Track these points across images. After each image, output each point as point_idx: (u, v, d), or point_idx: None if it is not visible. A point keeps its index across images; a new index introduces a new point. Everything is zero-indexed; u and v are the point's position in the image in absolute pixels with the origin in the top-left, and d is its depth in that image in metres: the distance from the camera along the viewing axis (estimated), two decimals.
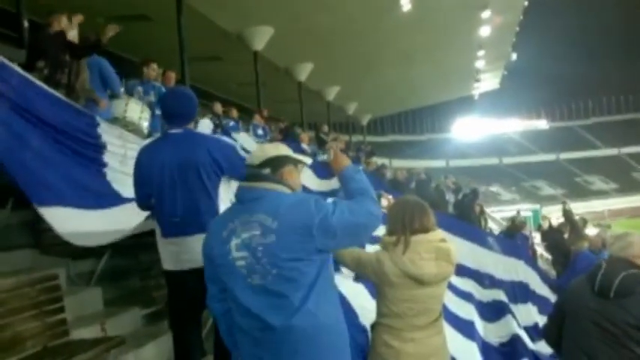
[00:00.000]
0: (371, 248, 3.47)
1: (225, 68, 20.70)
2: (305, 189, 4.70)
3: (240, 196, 2.35)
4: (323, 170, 7.55)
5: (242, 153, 3.35)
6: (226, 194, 3.17)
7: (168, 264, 3.20)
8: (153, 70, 7.32)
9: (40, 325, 3.09)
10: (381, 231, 2.88)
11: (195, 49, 14.97)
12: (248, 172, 2.39)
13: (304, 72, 22.36)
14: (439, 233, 2.92)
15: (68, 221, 3.88)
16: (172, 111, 3.26)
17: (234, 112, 12.38)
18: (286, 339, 2.18)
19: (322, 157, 2.77)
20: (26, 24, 10.10)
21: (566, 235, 12.70)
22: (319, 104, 26.11)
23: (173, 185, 3.10)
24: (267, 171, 2.35)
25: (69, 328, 3.27)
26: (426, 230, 2.85)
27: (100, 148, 4.99)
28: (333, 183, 6.87)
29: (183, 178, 3.10)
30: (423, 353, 2.82)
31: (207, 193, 3.13)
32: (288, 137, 11.89)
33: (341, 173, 2.54)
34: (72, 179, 4.40)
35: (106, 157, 4.96)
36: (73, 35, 5.59)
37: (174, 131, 3.23)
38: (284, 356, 2.20)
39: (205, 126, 9.33)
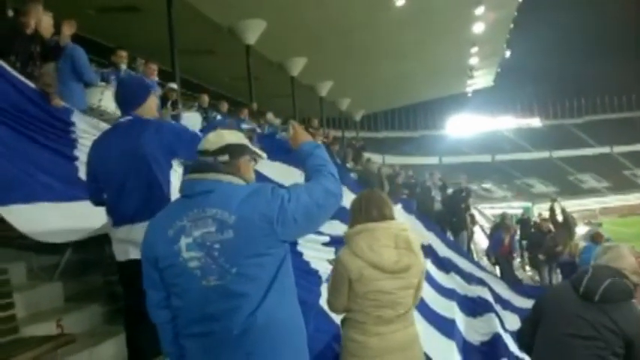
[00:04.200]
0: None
1: (217, 62, 20.52)
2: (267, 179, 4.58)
3: (187, 190, 2.16)
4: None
5: (199, 134, 3.21)
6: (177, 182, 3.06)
7: (120, 255, 3.11)
8: (121, 57, 7.22)
9: None
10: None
11: (185, 42, 14.82)
12: (197, 162, 2.22)
13: (297, 67, 22.18)
14: (400, 224, 2.92)
15: (32, 218, 3.74)
16: (119, 98, 3.26)
17: (225, 106, 12.18)
18: (244, 341, 2.04)
19: (282, 134, 2.64)
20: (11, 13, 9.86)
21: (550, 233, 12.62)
22: (312, 99, 25.92)
23: (125, 175, 3.02)
24: (224, 158, 2.18)
25: (19, 325, 3.15)
26: (384, 219, 2.84)
27: (72, 141, 4.86)
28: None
29: (132, 167, 3.01)
30: (386, 347, 2.75)
31: (157, 180, 3.04)
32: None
33: (300, 149, 2.38)
34: (40, 170, 4.26)
35: (78, 152, 4.80)
36: (47, 23, 5.40)
37: (122, 120, 3.19)
38: (239, 359, 2.05)
39: (194, 119, 9.11)
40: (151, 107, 3.27)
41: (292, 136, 2.44)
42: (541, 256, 12.07)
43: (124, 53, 7.34)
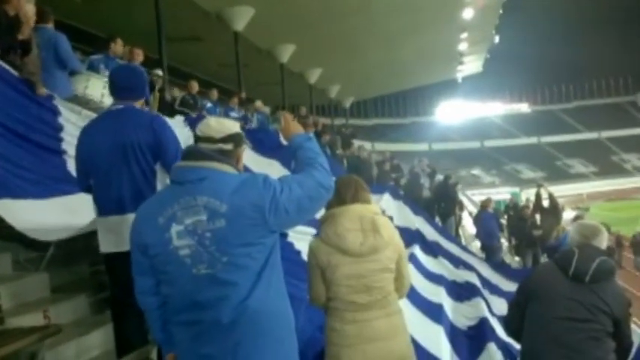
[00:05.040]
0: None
1: (204, 49, 20.32)
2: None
3: (178, 177, 2.15)
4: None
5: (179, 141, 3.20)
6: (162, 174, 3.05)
7: (106, 246, 3.09)
8: (120, 46, 7.12)
9: None
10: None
11: (173, 29, 14.67)
12: (189, 149, 2.22)
13: (286, 53, 22.02)
14: (368, 206, 2.86)
15: (21, 214, 3.71)
16: (117, 83, 3.19)
17: (215, 94, 12.07)
18: (233, 331, 2.05)
19: (274, 126, 2.63)
20: None
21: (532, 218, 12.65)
22: (301, 87, 25.82)
23: (112, 163, 3.01)
24: (229, 147, 2.20)
25: (5, 316, 3.13)
26: (342, 203, 2.80)
27: (58, 132, 4.80)
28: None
29: (120, 156, 3.00)
30: (367, 336, 2.69)
31: (147, 171, 3.04)
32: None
33: (291, 141, 2.40)
34: (26, 168, 4.21)
35: (65, 145, 4.75)
36: (29, 11, 5.31)
37: (115, 107, 3.14)
38: (228, 349, 2.06)
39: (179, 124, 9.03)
40: (142, 103, 3.28)
41: (283, 127, 2.45)
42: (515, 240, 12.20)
43: (120, 41, 7.25)
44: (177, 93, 11.06)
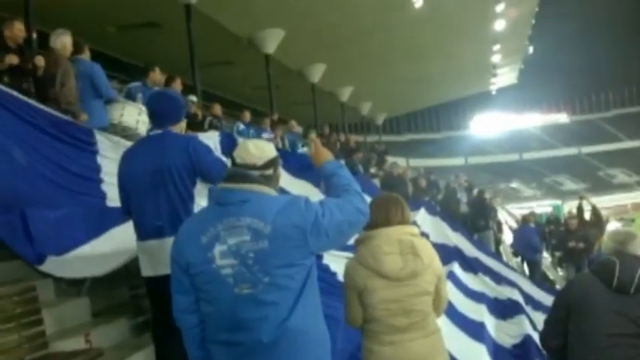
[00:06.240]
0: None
1: (237, 72, 20.71)
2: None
3: (220, 198, 2.18)
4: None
5: (219, 156, 3.24)
6: (201, 197, 3.08)
7: (146, 270, 3.14)
8: (158, 74, 7.32)
9: (17, 338, 3.03)
10: None
11: (206, 55, 15.02)
12: (232, 171, 2.25)
13: (317, 73, 22.23)
14: (406, 228, 2.80)
15: (68, 267, 3.82)
16: (153, 110, 3.28)
17: (247, 116, 12.23)
18: (274, 351, 2.07)
19: (303, 150, 2.67)
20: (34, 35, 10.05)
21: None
22: (333, 105, 25.97)
23: (150, 188, 3.06)
24: (269, 172, 2.25)
25: (48, 341, 3.20)
26: (388, 224, 2.75)
27: (98, 175, 4.93)
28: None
29: (157, 181, 3.05)
30: (404, 357, 2.66)
31: (184, 195, 3.08)
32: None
33: (322, 168, 2.44)
34: (68, 211, 4.32)
35: (104, 186, 4.87)
36: (68, 42, 5.48)
37: (153, 133, 3.23)
38: None
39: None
40: (182, 127, 3.36)
41: (314, 154, 2.49)
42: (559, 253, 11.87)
43: (158, 70, 7.46)
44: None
